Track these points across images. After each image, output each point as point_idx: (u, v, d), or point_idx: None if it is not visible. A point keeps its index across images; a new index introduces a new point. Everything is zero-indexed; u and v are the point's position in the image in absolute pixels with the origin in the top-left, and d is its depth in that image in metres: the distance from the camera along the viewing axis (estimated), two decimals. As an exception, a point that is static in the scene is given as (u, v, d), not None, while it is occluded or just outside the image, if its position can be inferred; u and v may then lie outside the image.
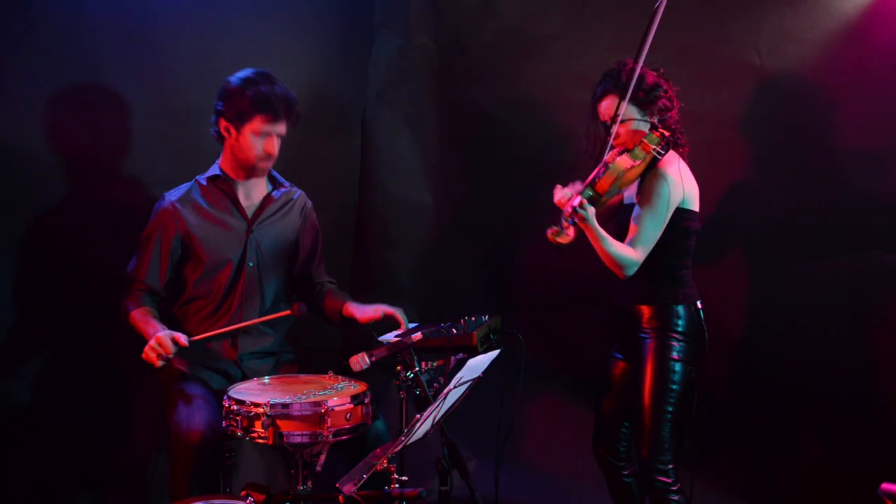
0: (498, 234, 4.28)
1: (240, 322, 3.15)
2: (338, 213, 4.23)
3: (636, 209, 2.98)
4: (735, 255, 3.85)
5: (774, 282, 3.77)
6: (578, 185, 2.98)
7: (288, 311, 3.06)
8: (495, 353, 2.71)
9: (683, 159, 3.10)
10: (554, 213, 3.08)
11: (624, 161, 2.90)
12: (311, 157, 4.04)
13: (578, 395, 4.15)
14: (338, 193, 4.27)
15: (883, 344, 3.59)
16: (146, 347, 2.84)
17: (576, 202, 2.84)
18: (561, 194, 2.99)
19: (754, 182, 3.78)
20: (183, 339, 2.88)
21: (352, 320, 3.21)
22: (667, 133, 2.92)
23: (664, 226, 2.96)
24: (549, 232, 2.87)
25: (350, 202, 4.38)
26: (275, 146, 3.14)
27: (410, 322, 3.14)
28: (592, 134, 3.16)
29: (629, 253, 2.92)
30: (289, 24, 3.95)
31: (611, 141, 3.00)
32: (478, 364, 2.61)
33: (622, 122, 3.01)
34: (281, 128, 3.13)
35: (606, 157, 2.97)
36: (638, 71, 2.93)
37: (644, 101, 3.03)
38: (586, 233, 2.91)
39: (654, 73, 3.06)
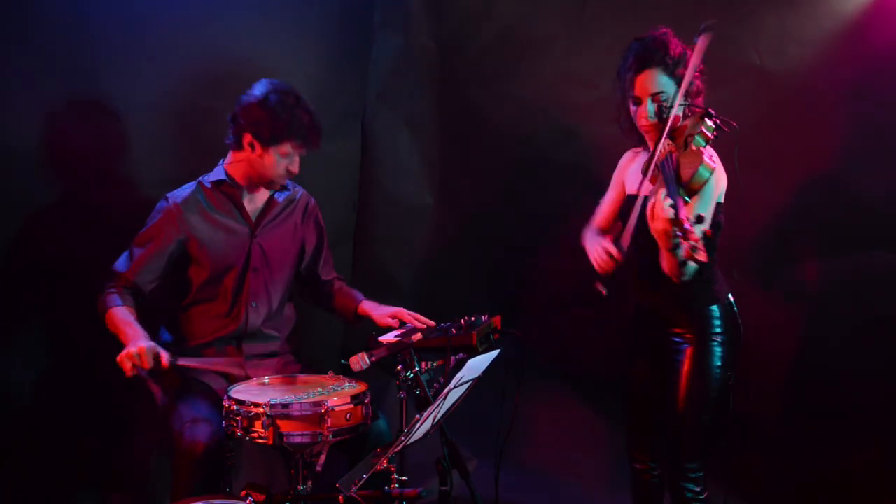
0: (498, 234, 4.28)
1: (245, 325, 3.16)
2: (338, 212, 4.23)
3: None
4: (735, 255, 3.85)
5: (775, 282, 3.77)
6: (648, 185, 2.67)
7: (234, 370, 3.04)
8: (495, 353, 2.71)
9: None
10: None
11: (709, 163, 2.63)
12: (312, 157, 4.02)
13: (579, 395, 4.15)
14: (338, 193, 4.27)
15: (883, 344, 3.59)
16: (123, 353, 2.76)
17: (685, 214, 2.45)
18: (667, 209, 2.48)
19: (754, 182, 3.78)
20: (166, 359, 2.79)
21: (367, 318, 3.21)
22: (722, 124, 2.71)
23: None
24: (687, 248, 2.38)
25: (350, 202, 4.38)
26: (297, 166, 3.15)
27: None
28: (621, 107, 2.91)
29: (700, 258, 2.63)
30: (289, 24, 3.95)
31: (666, 128, 2.72)
32: (478, 364, 2.61)
33: (669, 105, 2.76)
34: (304, 150, 3.14)
35: (663, 147, 2.69)
36: (690, 72, 2.71)
37: (686, 80, 2.75)
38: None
39: (691, 49, 2.76)
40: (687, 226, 2.40)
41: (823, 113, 3.66)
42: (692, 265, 2.61)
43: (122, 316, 2.95)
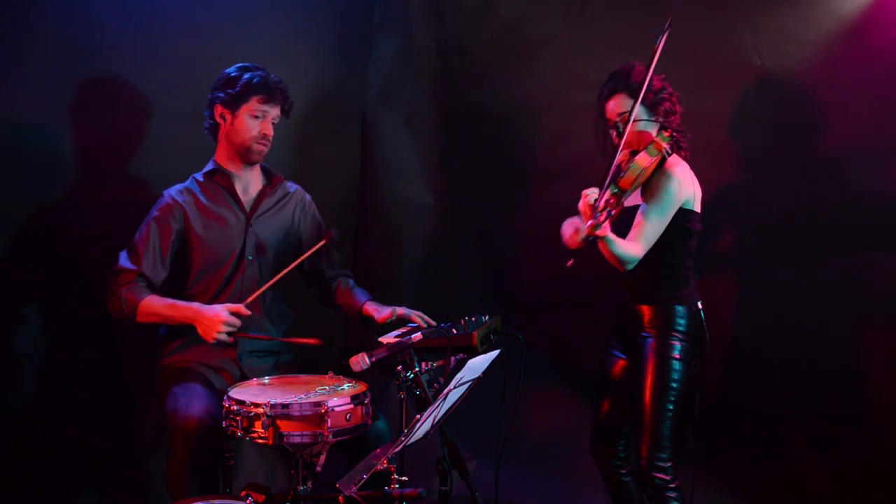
0: (498, 234, 4.28)
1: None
2: (338, 213, 4.23)
3: (642, 206, 3.01)
4: (735, 255, 3.85)
5: (775, 282, 3.77)
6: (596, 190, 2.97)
7: (315, 341, 3.00)
8: (495, 353, 2.70)
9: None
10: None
11: (643, 159, 2.93)
12: (312, 157, 4.04)
13: (579, 395, 4.15)
14: (338, 193, 4.27)
15: (883, 344, 3.59)
16: (218, 325, 2.92)
17: (603, 200, 2.82)
18: (589, 196, 2.88)
19: (754, 182, 3.79)
20: (242, 308, 2.98)
21: (371, 319, 3.24)
22: (677, 135, 2.99)
23: (667, 223, 2.98)
24: (589, 224, 2.78)
25: (350, 202, 4.38)
26: (270, 128, 3.20)
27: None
28: (601, 132, 3.17)
29: (632, 249, 2.93)
30: (289, 24, 3.96)
31: (623, 139, 3.00)
32: (478, 364, 2.61)
33: (630, 121, 3.03)
34: (276, 111, 3.20)
35: (619, 156, 2.97)
36: (650, 75, 2.96)
37: (652, 102, 3.07)
38: (602, 241, 2.88)
39: (660, 78, 3.10)
40: (600, 207, 2.77)
41: (823, 113, 3.66)
42: (628, 254, 2.90)
43: (158, 302, 3.04)
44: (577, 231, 3.10)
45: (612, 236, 2.87)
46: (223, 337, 2.93)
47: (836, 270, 3.66)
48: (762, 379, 3.83)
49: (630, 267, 2.95)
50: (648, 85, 3.02)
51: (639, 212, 3.01)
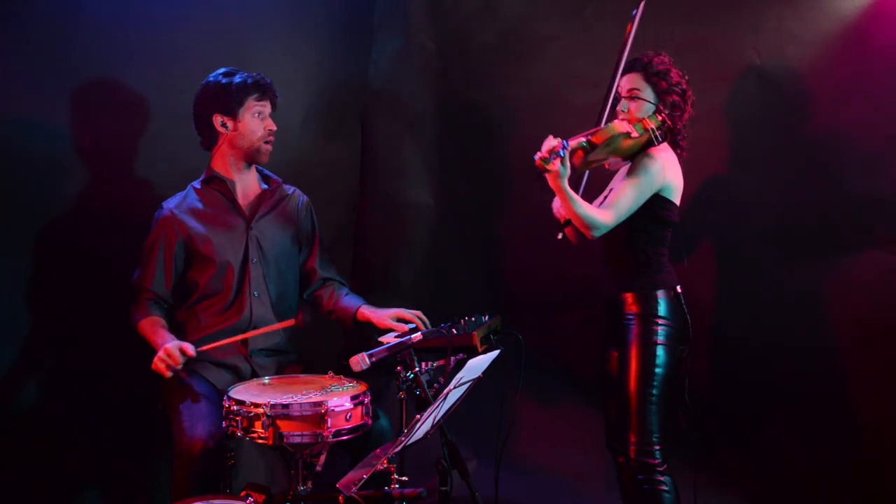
0: (498, 234, 4.28)
1: (250, 320, 3.20)
2: (338, 213, 4.24)
3: (620, 180, 3.05)
4: (734, 255, 3.85)
5: (775, 282, 3.77)
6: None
7: (292, 321, 3.09)
8: (495, 353, 2.71)
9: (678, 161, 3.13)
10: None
11: (621, 125, 2.97)
12: (311, 157, 4.04)
13: (578, 395, 4.15)
14: (338, 194, 4.27)
15: (882, 345, 3.59)
16: (156, 358, 2.93)
17: (561, 146, 2.79)
18: (551, 143, 2.86)
19: (753, 182, 3.79)
20: (190, 349, 2.96)
21: (367, 324, 3.25)
22: (668, 122, 3.00)
23: (642, 202, 3.01)
24: (538, 156, 2.80)
25: (350, 202, 4.38)
26: (273, 122, 3.25)
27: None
28: (609, 106, 3.20)
29: (598, 215, 2.95)
30: (289, 24, 3.95)
31: (609, 101, 3.09)
32: (478, 364, 2.62)
33: (636, 98, 3.09)
34: (270, 107, 3.26)
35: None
36: (618, 76, 3.08)
37: (662, 91, 3.09)
38: (555, 191, 2.91)
39: (679, 73, 3.14)
40: (557, 148, 2.76)
41: (823, 113, 3.66)
42: (594, 218, 2.92)
43: (148, 326, 3.14)
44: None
45: (572, 193, 2.90)
46: (161, 368, 2.92)
47: (835, 270, 3.66)
48: (761, 379, 3.82)
49: (596, 233, 2.96)
50: (667, 73, 3.09)
51: (616, 183, 3.05)
